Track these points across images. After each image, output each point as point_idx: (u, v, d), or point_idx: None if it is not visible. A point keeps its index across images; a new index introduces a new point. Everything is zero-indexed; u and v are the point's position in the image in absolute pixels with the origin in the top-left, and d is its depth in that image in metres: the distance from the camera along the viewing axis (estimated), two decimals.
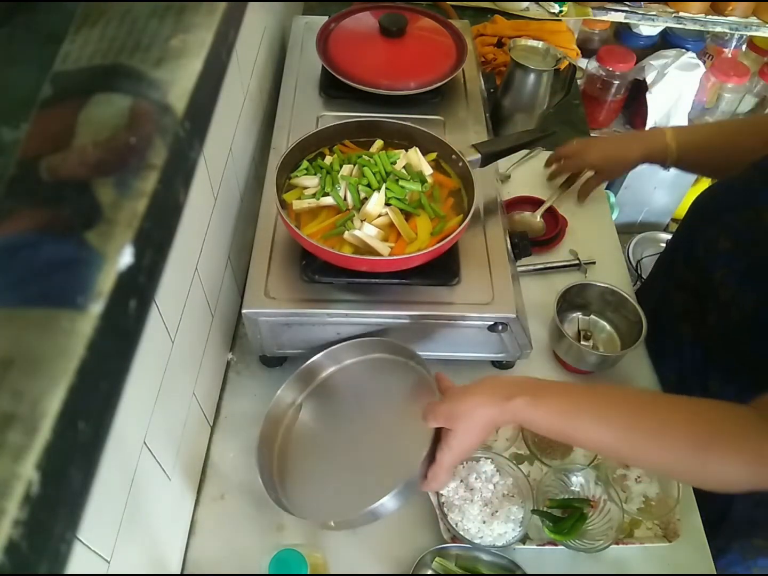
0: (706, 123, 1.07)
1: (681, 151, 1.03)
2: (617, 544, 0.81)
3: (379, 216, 0.84)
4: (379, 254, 0.81)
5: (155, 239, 0.33)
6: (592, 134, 1.42)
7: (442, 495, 0.84)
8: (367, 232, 0.82)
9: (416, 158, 0.90)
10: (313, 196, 0.87)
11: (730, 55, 2.08)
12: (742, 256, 0.86)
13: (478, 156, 0.91)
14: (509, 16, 1.61)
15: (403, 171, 0.88)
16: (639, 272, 2.06)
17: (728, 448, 0.64)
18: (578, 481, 0.86)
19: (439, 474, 0.72)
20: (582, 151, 1.13)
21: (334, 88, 1.12)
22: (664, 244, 2.30)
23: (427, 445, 0.72)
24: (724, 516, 0.94)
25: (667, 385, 0.99)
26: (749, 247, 0.85)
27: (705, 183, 2.40)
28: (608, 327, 1.04)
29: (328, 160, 0.91)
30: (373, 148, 0.94)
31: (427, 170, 0.90)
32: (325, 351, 0.89)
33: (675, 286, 1.00)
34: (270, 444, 0.85)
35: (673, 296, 1.00)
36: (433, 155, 0.93)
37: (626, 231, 2.29)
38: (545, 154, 1.30)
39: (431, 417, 0.72)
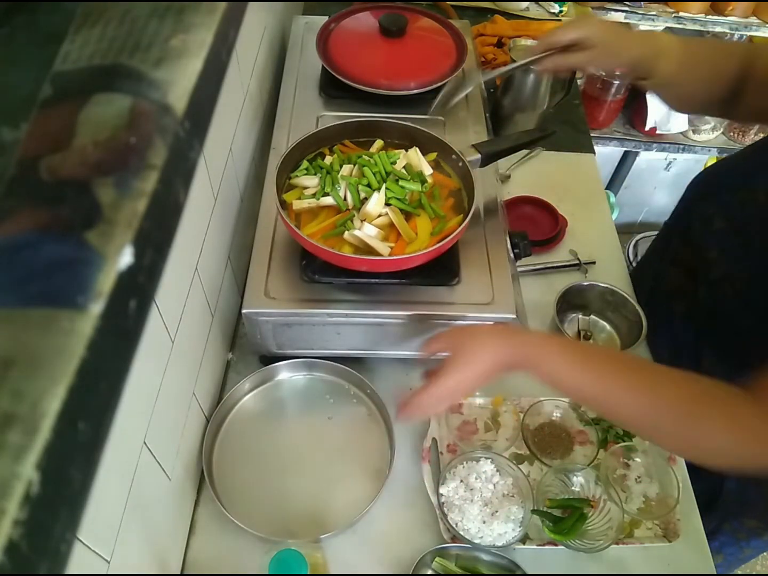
0: (696, 41, 0.98)
1: (675, 69, 0.91)
2: (617, 544, 0.81)
3: (379, 216, 0.84)
4: (379, 254, 0.81)
5: (155, 239, 0.33)
6: (592, 134, 1.42)
7: (442, 495, 0.84)
8: (367, 232, 0.82)
9: (416, 158, 0.90)
10: (313, 196, 0.87)
11: None
12: (735, 235, 0.86)
13: (478, 156, 0.91)
14: (509, 16, 1.61)
15: (403, 171, 0.88)
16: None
17: (719, 418, 0.64)
18: (578, 481, 0.86)
19: (423, 400, 0.68)
20: (579, 19, 0.99)
21: (334, 88, 1.12)
22: None
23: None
24: (716, 496, 0.94)
25: (660, 362, 0.99)
26: (742, 226, 0.86)
27: None
28: (608, 327, 1.04)
29: (328, 160, 0.91)
30: (373, 148, 0.94)
31: (427, 170, 0.90)
32: (292, 361, 0.94)
33: (670, 262, 1.01)
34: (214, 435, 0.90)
35: (668, 273, 1.01)
36: (433, 155, 0.93)
37: (626, 231, 2.29)
38: (545, 154, 1.31)
39: (433, 340, 0.69)
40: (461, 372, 0.67)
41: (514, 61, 1.22)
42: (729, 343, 0.88)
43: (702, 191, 0.98)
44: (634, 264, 2.12)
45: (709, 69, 0.93)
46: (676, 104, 1.03)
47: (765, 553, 1.84)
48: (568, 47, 0.87)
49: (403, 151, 0.92)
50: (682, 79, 0.90)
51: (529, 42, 1.27)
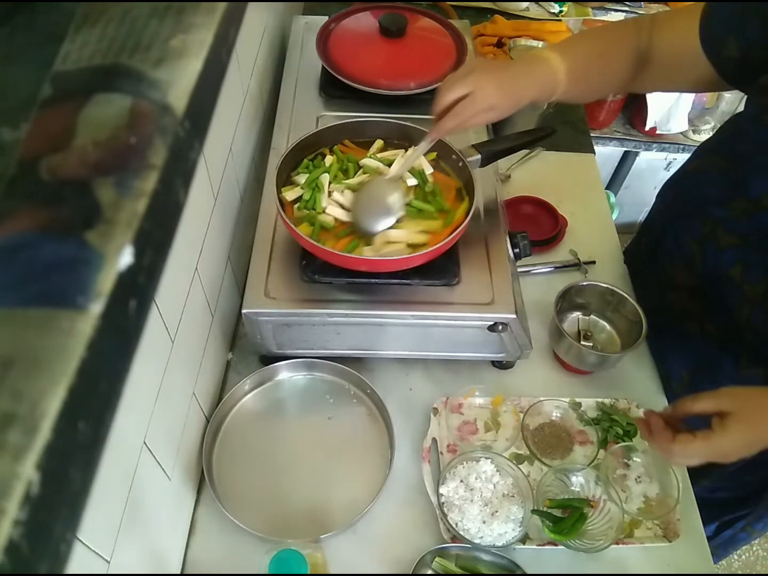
0: (582, 43, 0.94)
1: (569, 83, 0.89)
2: (617, 544, 0.81)
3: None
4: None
5: (155, 239, 0.33)
6: (592, 134, 1.42)
7: (442, 495, 0.84)
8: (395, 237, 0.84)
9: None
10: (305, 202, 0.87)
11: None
12: (755, 248, 0.83)
13: (478, 156, 0.91)
14: (509, 16, 1.61)
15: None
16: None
17: None
18: (578, 481, 0.86)
19: (683, 451, 0.68)
20: (477, 85, 0.83)
21: (334, 88, 1.12)
22: None
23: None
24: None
25: (678, 382, 0.99)
26: (759, 237, 0.83)
27: None
28: (608, 327, 1.04)
29: (328, 160, 0.91)
30: (373, 149, 0.94)
31: (428, 170, 0.90)
32: (293, 361, 0.94)
33: (666, 286, 0.99)
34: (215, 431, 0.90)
35: (668, 296, 0.99)
36: (433, 155, 0.93)
37: (626, 231, 2.29)
38: (545, 154, 1.30)
39: (697, 399, 0.69)
40: (734, 436, 0.65)
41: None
42: (760, 354, 0.86)
43: (680, 209, 0.95)
44: None
45: (602, 64, 0.93)
46: (579, 100, 1.04)
47: (765, 553, 1.85)
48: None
49: (402, 150, 0.92)
50: (576, 87, 0.90)
51: (530, 42, 1.27)
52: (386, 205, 0.84)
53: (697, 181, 0.93)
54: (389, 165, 0.90)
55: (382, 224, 0.83)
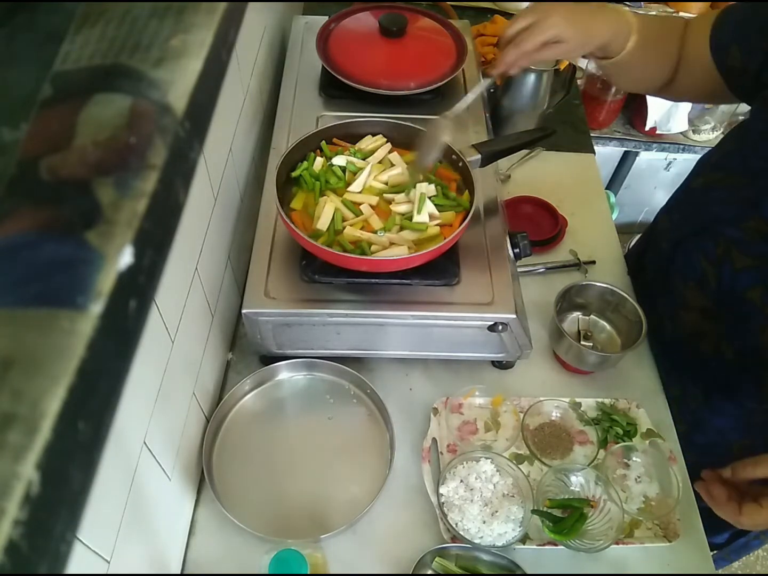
0: (646, 16, 0.93)
1: (636, 44, 0.88)
2: (617, 544, 0.81)
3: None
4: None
5: (155, 239, 0.33)
6: (592, 134, 1.42)
7: (442, 495, 0.84)
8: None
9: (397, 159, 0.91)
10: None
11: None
12: None
13: (478, 156, 0.91)
14: (509, 16, 1.61)
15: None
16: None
17: None
18: (578, 481, 0.86)
19: (739, 520, 0.68)
20: (544, 15, 0.83)
21: (334, 88, 1.12)
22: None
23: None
24: None
25: (694, 401, 0.97)
26: None
27: None
28: (608, 327, 1.04)
29: (318, 163, 0.90)
30: (363, 144, 0.94)
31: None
32: (293, 361, 0.94)
33: (679, 305, 0.95)
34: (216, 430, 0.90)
35: (682, 317, 0.96)
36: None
37: (626, 231, 2.29)
38: (545, 154, 1.31)
39: (755, 464, 0.68)
40: None
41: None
42: None
43: (692, 226, 0.92)
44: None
45: (660, 47, 0.92)
46: (627, 84, 1.01)
47: (765, 553, 1.85)
48: None
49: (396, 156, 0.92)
50: (638, 58, 0.88)
51: None
52: (440, 144, 0.89)
53: (706, 199, 0.90)
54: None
55: (433, 159, 0.89)
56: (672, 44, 0.90)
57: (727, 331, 0.88)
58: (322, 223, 0.84)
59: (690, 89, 0.95)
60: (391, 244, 0.83)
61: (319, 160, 0.90)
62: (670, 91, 0.95)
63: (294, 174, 0.90)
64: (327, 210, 0.85)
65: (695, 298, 0.92)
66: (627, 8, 0.88)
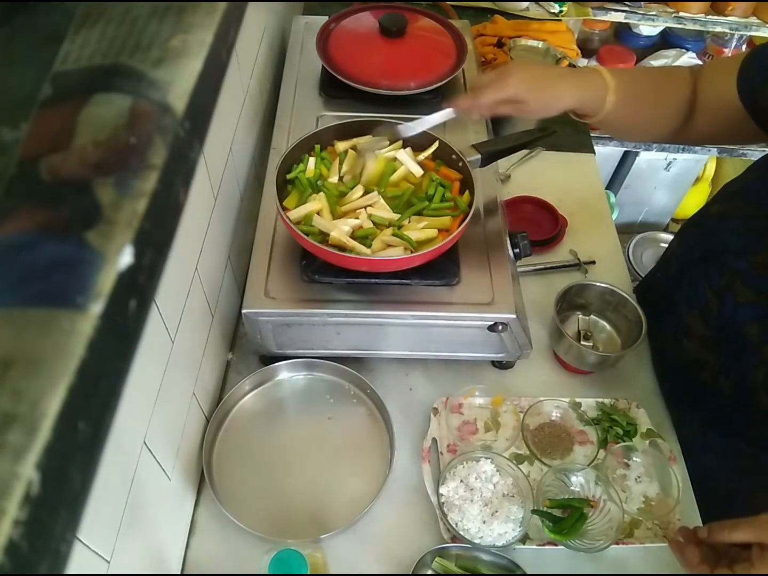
0: (635, 72, 0.91)
1: (618, 103, 0.85)
2: (617, 544, 0.81)
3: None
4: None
5: (155, 239, 0.33)
6: (592, 134, 1.42)
7: (442, 495, 0.84)
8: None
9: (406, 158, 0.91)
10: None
11: (730, 55, 2.09)
12: None
13: (478, 156, 0.91)
14: (509, 16, 1.61)
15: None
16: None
17: None
18: (578, 481, 0.86)
19: None
20: (503, 75, 0.84)
21: (334, 88, 1.12)
22: (664, 245, 2.30)
23: None
24: None
25: (690, 430, 0.96)
26: None
27: (704, 184, 2.41)
28: (608, 327, 1.04)
29: (311, 165, 0.90)
30: (359, 141, 0.94)
31: (417, 171, 0.90)
32: (292, 361, 0.94)
33: (683, 335, 0.94)
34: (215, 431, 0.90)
35: (682, 344, 0.94)
36: (431, 150, 0.93)
37: (626, 231, 2.29)
38: (545, 154, 1.31)
39: (733, 528, 0.64)
40: None
41: (514, 60, 1.22)
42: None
43: (701, 253, 0.91)
44: (633, 265, 2.12)
45: (655, 100, 0.90)
46: (622, 137, 0.98)
47: None
48: None
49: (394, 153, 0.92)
50: (624, 113, 0.87)
51: (530, 42, 1.27)
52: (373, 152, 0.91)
53: (718, 226, 0.89)
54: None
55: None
56: (674, 94, 0.89)
57: (725, 364, 0.87)
58: (296, 213, 0.84)
59: (712, 134, 0.93)
60: (388, 246, 0.83)
61: (312, 161, 0.90)
62: (684, 137, 0.93)
63: (289, 176, 0.90)
64: (308, 205, 0.85)
65: (698, 327, 0.90)
66: (605, 68, 0.86)
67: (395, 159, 0.91)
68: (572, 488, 0.86)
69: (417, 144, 0.93)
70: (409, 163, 0.90)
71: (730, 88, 0.84)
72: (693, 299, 0.91)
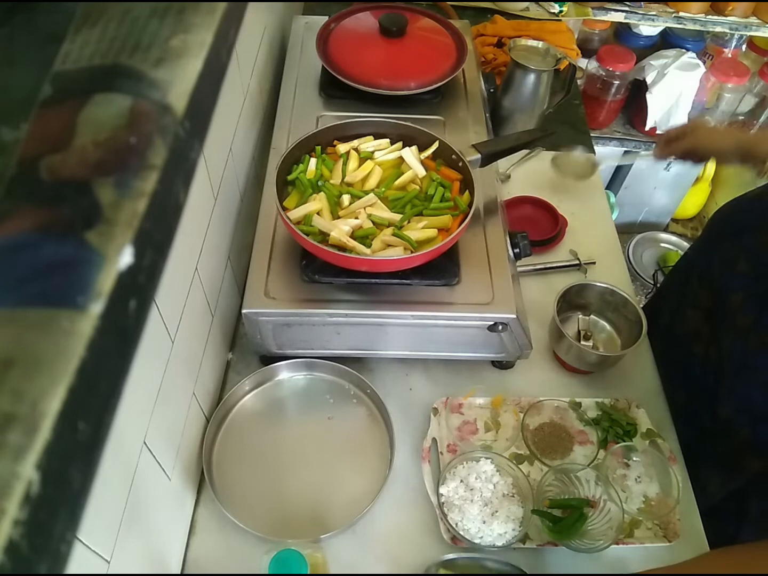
0: None
1: None
2: (617, 544, 0.81)
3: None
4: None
5: (155, 239, 0.33)
6: (592, 134, 1.42)
7: (442, 495, 0.84)
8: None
9: (410, 158, 0.90)
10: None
11: (730, 55, 2.08)
12: (761, 280, 0.83)
13: (478, 156, 0.91)
14: (509, 16, 1.61)
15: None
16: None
17: None
18: (578, 482, 0.86)
19: None
20: (709, 137, 0.95)
21: (334, 88, 1.12)
22: (664, 245, 2.30)
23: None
24: None
25: (677, 405, 0.97)
26: (765, 271, 0.82)
27: (704, 184, 2.41)
28: (608, 327, 1.04)
29: (312, 166, 0.90)
30: (359, 143, 0.94)
31: (420, 172, 0.90)
32: (292, 361, 0.94)
33: (688, 304, 0.98)
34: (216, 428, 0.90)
35: (686, 314, 0.98)
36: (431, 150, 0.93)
37: (626, 231, 2.29)
38: (545, 154, 1.30)
39: None
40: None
41: (514, 60, 1.22)
42: (750, 392, 0.85)
43: (721, 230, 0.96)
44: (633, 265, 2.12)
45: None
46: None
47: None
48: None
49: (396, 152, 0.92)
50: None
51: (530, 42, 1.27)
52: None
53: (746, 205, 0.93)
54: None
55: None
56: None
57: (716, 336, 0.90)
58: (296, 213, 0.84)
59: None
60: (388, 246, 0.83)
61: (313, 161, 0.90)
62: None
63: (290, 177, 0.90)
64: (308, 205, 0.85)
65: (705, 298, 0.94)
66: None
67: (400, 161, 0.91)
68: (572, 488, 0.86)
69: (417, 144, 0.93)
70: (413, 163, 0.90)
71: None
72: (705, 273, 0.95)
